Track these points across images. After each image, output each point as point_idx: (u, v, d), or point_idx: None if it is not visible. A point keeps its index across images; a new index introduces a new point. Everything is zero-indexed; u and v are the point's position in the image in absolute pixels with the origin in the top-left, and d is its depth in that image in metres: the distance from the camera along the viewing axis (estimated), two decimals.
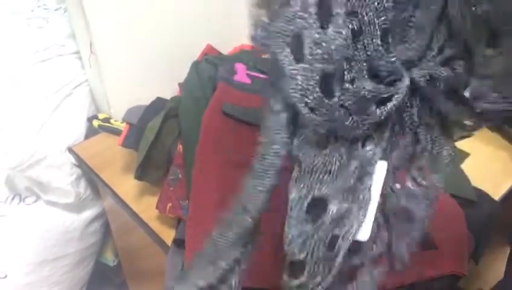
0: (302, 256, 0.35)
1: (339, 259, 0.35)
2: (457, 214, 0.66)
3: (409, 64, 0.35)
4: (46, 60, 0.95)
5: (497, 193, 0.77)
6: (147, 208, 0.74)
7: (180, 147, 0.73)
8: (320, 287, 0.36)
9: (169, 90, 0.89)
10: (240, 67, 0.85)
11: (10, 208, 0.91)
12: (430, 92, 0.35)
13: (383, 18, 0.31)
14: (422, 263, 0.60)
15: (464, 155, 0.84)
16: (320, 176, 0.35)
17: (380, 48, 0.31)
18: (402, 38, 0.33)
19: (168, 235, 0.69)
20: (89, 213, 0.98)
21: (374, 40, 0.31)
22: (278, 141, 0.32)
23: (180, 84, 0.88)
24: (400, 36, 0.33)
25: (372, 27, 0.31)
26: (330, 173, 0.35)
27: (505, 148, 0.87)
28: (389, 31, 0.32)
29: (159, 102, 0.84)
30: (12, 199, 0.91)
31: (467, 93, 0.34)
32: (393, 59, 0.32)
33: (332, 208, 0.35)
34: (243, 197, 0.35)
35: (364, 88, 0.31)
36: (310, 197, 0.35)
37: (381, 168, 0.37)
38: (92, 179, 0.92)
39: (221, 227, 0.36)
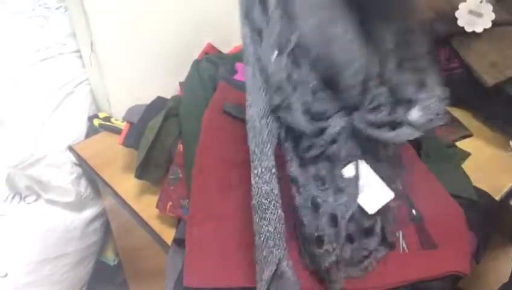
0: (319, 233, 0.54)
1: (342, 230, 0.53)
2: (457, 214, 0.66)
3: (350, 110, 0.55)
4: (47, 59, 0.95)
5: (497, 193, 0.76)
6: (147, 207, 0.74)
7: (180, 147, 0.73)
8: (335, 250, 0.53)
9: (169, 89, 0.89)
10: (240, 66, 0.85)
11: (10, 207, 0.91)
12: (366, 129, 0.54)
13: (310, 85, 0.54)
14: (422, 263, 0.60)
15: (465, 155, 0.84)
16: (314, 185, 0.56)
17: (309, 100, 0.54)
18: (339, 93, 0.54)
19: (169, 234, 0.69)
20: (89, 212, 0.98)
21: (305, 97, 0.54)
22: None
23: (180, 83, 0.88)
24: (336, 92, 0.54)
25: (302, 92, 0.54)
26: (321, 181, 0.56)
27: (506, 149, 0.86)
28: (318, 90, 0.54)
29: (159, 101, 0.84)
30: (13, 197, 0.91)
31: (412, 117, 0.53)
32: (317, 105, 0.54)
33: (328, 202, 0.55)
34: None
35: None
36: (310, 199, 0.55)
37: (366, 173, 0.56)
38: (92, 178, 0.92)
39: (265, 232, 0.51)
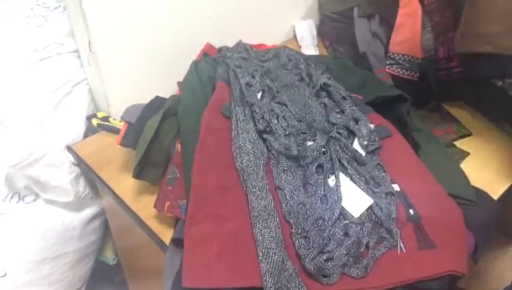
0: (309, 233, 0.60)
1: (327, 231, 0.61)
2: (455, 214, 0.66)
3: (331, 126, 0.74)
4: (45, 59, 0.95)
5: (496, 193, 0.76)
6: (146, 206, 0.74)
7: (178, 146, 0.73)
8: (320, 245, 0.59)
9: (168, 89, 0.89)
10: None
11: (9, 207, 0.91)
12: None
13: (297, 109, 0.75)
14: (420, 263, 0.60)
15: (464, 154, 0.84)
16: (299, 192, 0.65)
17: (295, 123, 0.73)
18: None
19: (167, 234, 0.69)
20: (88, 212, 0.98)
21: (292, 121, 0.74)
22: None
23: (179, 83, 0.88)
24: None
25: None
26: (306, 189, 0.66)
27: (505, 148, 0.86)
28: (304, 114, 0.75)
29: (157, 101, 0.84)
30: (12, 197, 0.91)
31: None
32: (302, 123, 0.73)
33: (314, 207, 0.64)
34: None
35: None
36: (296, 204, 0.64)
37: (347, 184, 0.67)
38: (91, 177, 0.92)
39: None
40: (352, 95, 0.80)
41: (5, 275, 0.89)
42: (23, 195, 0.92)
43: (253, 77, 0.78)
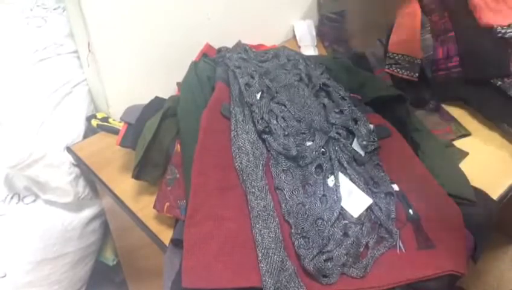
0: (308, 233, 0.61)
1: (327, 231, 0.61)
2: (455, 214, 0.66)
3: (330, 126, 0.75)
4: (45, 59, 0.95)
5: (496, 192, 0.76)
6: (145, 207, 0.74)
7: (178, 147, 0.73)
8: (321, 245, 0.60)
9: (167, 90, 0.89)
10: None
11: (9, 207, 0.91)
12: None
13: (296, 109, 0.75)
14: (419, 263, 0.60)
15: (463, 154, 0.84)
16: (298, 192, 0.66)
17: (295, 124, 0.73)
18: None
19: (166, 234, 0.69)
20: (88, 212, 0.98)
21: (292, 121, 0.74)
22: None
23: (178, 84, 0.88)
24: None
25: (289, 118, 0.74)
26: (305, 189, 0.67)
27: (504, 148, 0.86)
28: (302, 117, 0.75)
29: (157, 101, 0.84)
30: (11, 198, 0.91)
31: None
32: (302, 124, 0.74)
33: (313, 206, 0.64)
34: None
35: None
36: (295, 204, 0.64)
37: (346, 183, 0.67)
38: (90, 178, 0.92)
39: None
40: (351, 95, 0.80)
41: (5, 276, 0.89)
42: (23, 196, 0.92)
43: (252, 77, 0.78)
